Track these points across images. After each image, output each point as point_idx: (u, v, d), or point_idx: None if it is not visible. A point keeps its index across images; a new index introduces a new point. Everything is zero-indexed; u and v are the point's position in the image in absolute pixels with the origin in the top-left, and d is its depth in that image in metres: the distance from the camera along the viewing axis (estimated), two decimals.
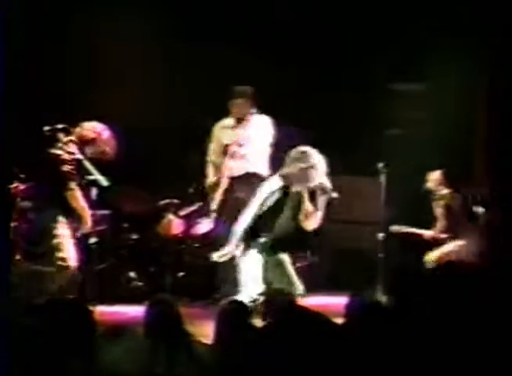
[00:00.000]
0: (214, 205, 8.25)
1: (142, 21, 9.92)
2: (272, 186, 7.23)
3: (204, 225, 9.80)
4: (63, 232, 7.18)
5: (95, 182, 7.33)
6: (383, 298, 6.34)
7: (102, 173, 7.39)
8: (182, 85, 10.14)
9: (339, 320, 4.56)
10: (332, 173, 9.51)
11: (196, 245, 9.87)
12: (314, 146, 7.90)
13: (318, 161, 7.07)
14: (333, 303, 7.01)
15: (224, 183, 8.11)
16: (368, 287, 7.18)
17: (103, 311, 7.60)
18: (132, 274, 9.44)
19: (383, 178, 7.92)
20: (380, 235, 8.04)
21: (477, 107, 9.78)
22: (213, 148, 8.28)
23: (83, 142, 7.32)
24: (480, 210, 8.15)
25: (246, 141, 7.98)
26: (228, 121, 8.14)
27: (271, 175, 7.51)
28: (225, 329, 4.73)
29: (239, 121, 8.03)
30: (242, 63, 9.49)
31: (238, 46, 9.70)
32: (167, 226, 9.74)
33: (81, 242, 7.52)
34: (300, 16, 10.13)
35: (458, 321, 4.16)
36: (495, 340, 4.04)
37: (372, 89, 10.28)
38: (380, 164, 7.85)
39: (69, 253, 7.17)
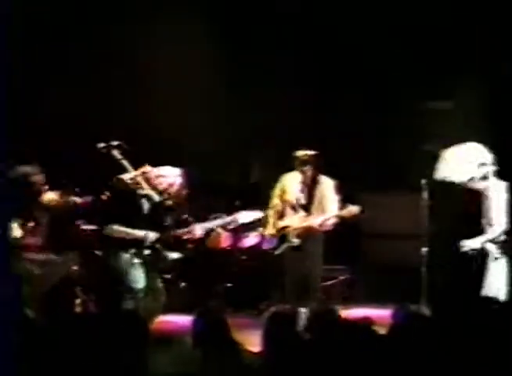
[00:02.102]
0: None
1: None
2: None
3: (251, 239, 10.05)
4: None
5: (147, 197, 7.08)
6: (426, 311, 6.13)
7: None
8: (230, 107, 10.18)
9: (381, 332, 4.46)
10: (377, 190, 9.44)
11: (244, 257, 9.88)
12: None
13: None
14: (375, 315, 6.74)
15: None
16: (411, 300, 6.96)
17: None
18: (183, 285, 9.35)
19: (425, 194, 7.73)
20: (423, 249, 7.81)
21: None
22: (278, 194, 8.51)
23: (155, 189, 7.10)
24: None
25: (314, 202, 8.35)
26: (297, 177, 8.44)
27: None
28: (272, 338, 4.55)
29: (309, 180, 8.37)
30: None
31: None
32: (216, 239, 9.89)
33: None
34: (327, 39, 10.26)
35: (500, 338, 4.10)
36: None
37: (408, 109, 10.37)
38: (423, 181, 7.67)
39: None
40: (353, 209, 8.15)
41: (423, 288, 7.56)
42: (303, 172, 8.29)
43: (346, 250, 9.09)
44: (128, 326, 4.25)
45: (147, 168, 7.23)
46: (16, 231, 7.84)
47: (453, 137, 9.29)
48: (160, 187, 7.17)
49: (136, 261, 7.01)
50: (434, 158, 9.41)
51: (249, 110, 10.23)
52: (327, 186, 8.35)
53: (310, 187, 8.35)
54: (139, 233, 7.04)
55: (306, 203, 8.34)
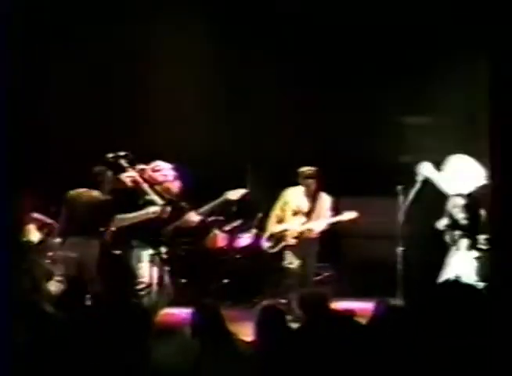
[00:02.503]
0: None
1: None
2: None
3: (245, 239, 10.10)
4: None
5: (151, 202, 7.29)
6: (402, 304, 6.32)
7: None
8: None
9: (363, 321, 4.68)
10: (359, 195, 9.62)
11: (238, 256, 9.97)
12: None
13: None
14: (356, 308, 6.94)
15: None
16: (387, 294, 7.16)
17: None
18: (183, 281, 9.45)
19: (401, 199, 7.92)
20: (399, 249, 8.00)
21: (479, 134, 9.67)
22: (280, 206, 8.78)
23: (152, 182, 7.31)
24: None
25: (315, 211, 8.70)
26: (300, 190, 8.75)
27: None
28: (264, 328, 4.70)
29: (310, 193, 8.71)
30: None
31: None
32: (213, 240, 9.92)
33: None
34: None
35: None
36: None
37: (387, 123, 10.43)
38: (399, 187, 7.90)
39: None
40: (347, 215, 8.61)
41: (398, 283, 7.80)
42: (307, 186, 8.65)
43: (329, 249, 9.27)
44: (133, 317, 4.38)
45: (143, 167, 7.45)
46: (33, 232, 8.06)
47: (428, 149, 9.51)
48: (157, 180, 7.35)
49: (147, 258, 7.23)
50: (409, 167, 9.61)
51: (247, 110, 10.34)
52: (326, 201, 8.73)
53: (312, 198, 8.69)
54: (141, 212, 7.27)
55: (308, 211, 8.68)
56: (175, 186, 7.57)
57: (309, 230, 8.62)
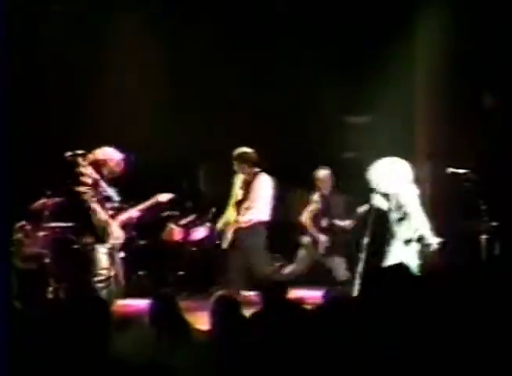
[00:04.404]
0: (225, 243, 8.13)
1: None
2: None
3: (199, 233, 10.06)
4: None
5: (108, 198, 7.12)
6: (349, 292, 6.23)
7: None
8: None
9: (313, 309, 4.54)
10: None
11: (193, 249, 9.92)
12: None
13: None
14: (307, 296, 6.88)
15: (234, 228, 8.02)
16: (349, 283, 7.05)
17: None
18: (141, 273, 9.37)
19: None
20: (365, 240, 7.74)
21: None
22: (234, 196, 8.11)
23: (98, 165, 7.08)
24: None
25: (253, 197, 7.87)
26: (239, 179, 8.01)
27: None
28: (218, 318, 4.63)
29: (247, 179, 7.92)
30: None
31: None
32: (169, 233, 9.94)
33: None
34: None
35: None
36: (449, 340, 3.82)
37: (327, 121, 10.25)
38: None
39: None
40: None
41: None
42: (241, 170, 7.90)
43: (280, 240, 9.04)
44: (92, 308, 4.27)
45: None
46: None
47: (368, 148, 9.45)
48: (98, 160, 7.09)
49: (105, 251, 7.03)
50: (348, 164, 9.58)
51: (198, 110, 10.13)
52: (261, 183, 7.87)
53: (247, 185, 7.88)
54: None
55: (240, 200, 7.92)
56: (120, 166, 7.24)
57: (248, 220, 7.82)
